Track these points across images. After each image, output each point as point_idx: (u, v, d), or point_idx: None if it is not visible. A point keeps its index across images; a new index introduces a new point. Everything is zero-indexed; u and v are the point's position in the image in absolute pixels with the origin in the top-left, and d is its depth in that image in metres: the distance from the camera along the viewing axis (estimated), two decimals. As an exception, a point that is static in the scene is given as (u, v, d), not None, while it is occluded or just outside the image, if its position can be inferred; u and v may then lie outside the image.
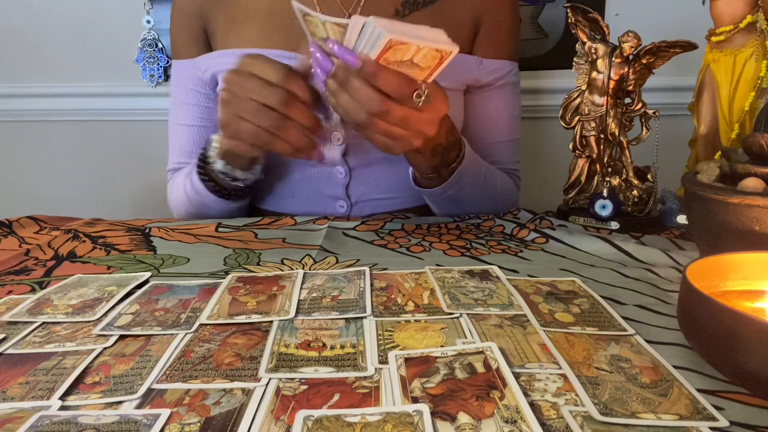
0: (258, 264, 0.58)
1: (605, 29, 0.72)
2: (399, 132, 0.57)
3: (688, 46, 0.68)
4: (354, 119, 0.56)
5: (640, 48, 0.70)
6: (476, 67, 0.84)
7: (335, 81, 0.55)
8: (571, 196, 0.77)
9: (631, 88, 0.72)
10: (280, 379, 0.35)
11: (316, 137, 0.63)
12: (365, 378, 0.35)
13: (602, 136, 0.73)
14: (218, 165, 0.74)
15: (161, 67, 1.34)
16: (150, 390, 0.34)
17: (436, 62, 0.53)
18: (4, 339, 0.41)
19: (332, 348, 0.39)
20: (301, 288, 0.50)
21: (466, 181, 0.75)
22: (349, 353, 0.38)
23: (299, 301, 0.47)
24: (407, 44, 0.50)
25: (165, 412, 0.31)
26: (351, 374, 0.36)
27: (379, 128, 0.56)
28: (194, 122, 0.87)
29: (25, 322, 0.44)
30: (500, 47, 0.86)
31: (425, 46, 0.50)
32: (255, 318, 0.44)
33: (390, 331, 0.42)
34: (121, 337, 0.41)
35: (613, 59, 0.70)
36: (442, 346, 0.39)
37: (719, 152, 0.66)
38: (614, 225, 0.71)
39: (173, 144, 0.90)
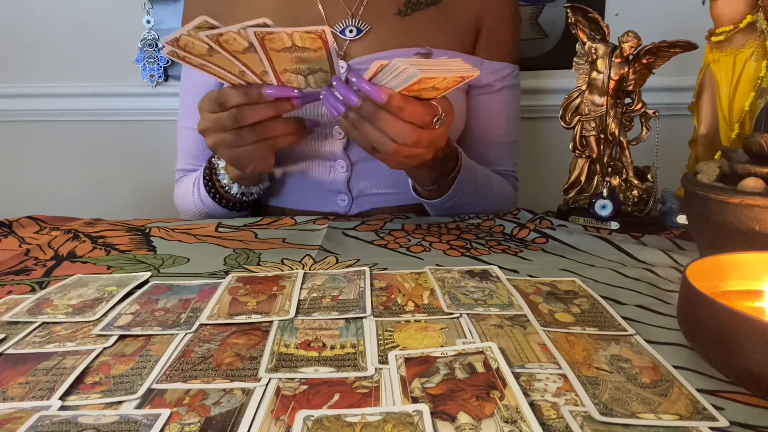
0: (258, 264, 0.58)
1: (605, 29, 0.72)
2: (420, 152, 0.59)
3: (688, 46, 0.68)
4: (380, 149, 0.57)
5: (640, 48, 0.70)
6: (477, 67, 0.84)
7: (358, 114, 0.56)
8: (571, 196, 0.77)
9: (631, 88, 0.72)
10: (280, 379, 0.35)
11: (294, 114, 0.65)
12: (365, 378, 0.35)
13: (602, 136, 0.73)
14: (234, 189, 0.78)
15: (161, 67, 1.34)
16: (150, 390, 0.34)
17: (456, 84, 0.54)
18: (4, 339, 0.41)
19: (332, 348, 0.39)
20: (301, 288, 0.50)
21: (464, 190, 0.76)
22: (349, 353, 0.38)
23: (299, 301, 0.47)
24: (434, 78, 0.51)
25: (165, 412, 0.31)
26: (351, 374, 0.35)
27: (404, 154, 0.58)
28: None
29: (25, 322, 0.44)
30: (501, 49, 0.87)
31: (450, 76, 0.52)
32: (255, 318, 0.44)
33: (390, 331, 0.42)
34: (121, 337, 0.41)
35: (613, 59, 0.70)
36: (442, 346, 0.39)
37: (719, 152, 0.66)
38: (614, 225, 0.71)
39: (181, 146, 0.91)
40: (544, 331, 0.41)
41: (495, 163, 0.89)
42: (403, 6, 0.82)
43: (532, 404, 0.32)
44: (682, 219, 0.70)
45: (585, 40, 0.73)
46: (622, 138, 0.73)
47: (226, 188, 0.78)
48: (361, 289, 0.49)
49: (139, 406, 0.33)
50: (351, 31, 0.80)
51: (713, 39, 0.72)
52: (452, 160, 0.74)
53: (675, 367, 0.36)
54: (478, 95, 0.87)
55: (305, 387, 0.34)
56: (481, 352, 0.37)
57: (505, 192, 0.88)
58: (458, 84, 0.54)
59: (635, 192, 0.73)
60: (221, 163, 0.77)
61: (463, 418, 0.30)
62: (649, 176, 0.74)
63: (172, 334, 0.42)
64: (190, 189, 0.83)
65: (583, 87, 0.74)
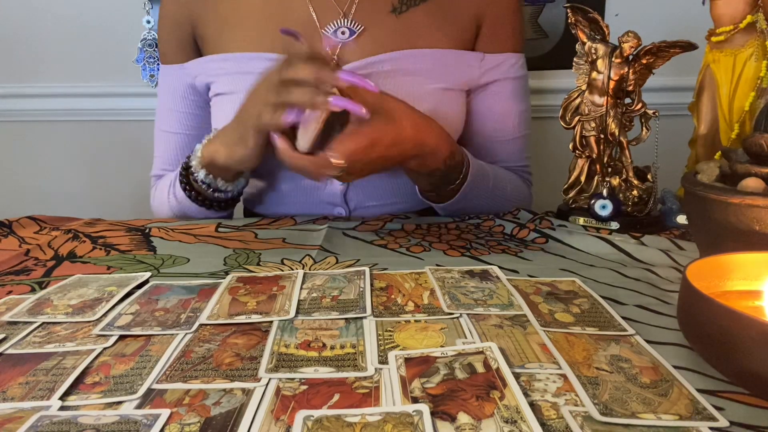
0: (258, 264, 0.58)
1: (605, 29, 0.72)
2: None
3: (688, 46, 0.68)
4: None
5: (640, 48, 0.70)
6: (477, 63, 0.82)
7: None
8: (571, 196, 0.77)
9: (631, 88, 0.71)
10: (280, 379, 0.35)
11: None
12: (365, 378, 0.35)
13: (602, 136, 0.73)
14: (200, 174, 0.73)
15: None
16: (150, 390, 0.34)
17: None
18: (4, 339, 0.41)
19: (332, 348, 0.39)
20: (301, 288, 0.50)
21: (472, 195, 0.75)
22: (349, 353, 0.38)
23: (299, 301, 0.47)
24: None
25: (165, 413, 0.31)
26: (351, 374, 0.36)
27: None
28: (181, 130, 0.87)
29: (25, 322, 0.44)
30: (504, 40, 0.84)
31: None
32: (255, 318, 0.44)
33: (390, 331, 0.42)
34: (121, 337, 0.41)
35: (613, 59, 0.70)
36: (442, 346, 0.39)
37: (719, 152, 0.66)
38: (614, 225, 0.71)
39: (158, 151, 0.89)
40: (544, 331, 0.41)
41: (506, 160, 0.87)
42: (397, 3, 0.79)
43: (532, 404, 0.32)
44: (682, 219, 0.70)
45: (585, 40, 0.73)
46: (622, 138, 0.73)
47: (194, 171, 0.73)
48: (361, 289, 0.49)
49: (139, 406, 0.33)
50: (343, 33, 0.78)
51: (713, 39, 0.72)
52: (456, 173, 0.72)
53: (675, 367, 0.36)
54: (484, 92, 0.84)
55: (305, 387, 0.34)
56: (481, 352, 0.37)
57: (518, 190, 0.86)
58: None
59: (635, 192, 0.72)
60: (199, 146, 0.73)
61: (463, 418, 0.30)
62: (649, 176, 0.74)
63: (172, 334, 0.42)
64: (165, 189, 0.80)
65: (583, 87, 0.74)
